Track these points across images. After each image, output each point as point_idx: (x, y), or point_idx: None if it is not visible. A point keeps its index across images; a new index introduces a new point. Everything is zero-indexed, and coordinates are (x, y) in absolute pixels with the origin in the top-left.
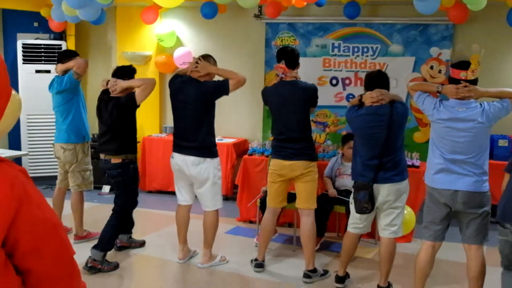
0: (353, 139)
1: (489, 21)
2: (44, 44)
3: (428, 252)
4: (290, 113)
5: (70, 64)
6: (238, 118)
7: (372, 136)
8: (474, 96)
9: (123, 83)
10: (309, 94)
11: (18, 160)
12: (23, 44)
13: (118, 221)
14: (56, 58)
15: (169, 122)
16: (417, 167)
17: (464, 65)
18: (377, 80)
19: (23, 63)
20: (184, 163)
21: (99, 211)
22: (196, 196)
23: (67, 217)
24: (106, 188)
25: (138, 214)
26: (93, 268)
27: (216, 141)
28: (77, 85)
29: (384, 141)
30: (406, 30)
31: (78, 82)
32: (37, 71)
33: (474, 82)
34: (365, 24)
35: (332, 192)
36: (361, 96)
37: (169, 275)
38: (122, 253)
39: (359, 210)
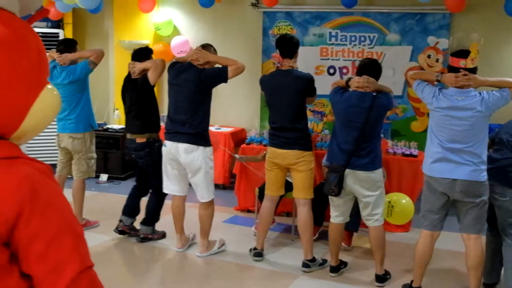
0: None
1: (486, 10)
2: (41, 33)
3: (427, 241)
4: (283, 101)
5: (86, 53)
6: (236, 107)
7: (350, 122)
8: (474, 85)
9: (139, 65)
10: (303, 83)
11: None
12: None
13: (157, 196)
14: (54, 47)
15: (166, 111)
16: (415, 156)
17: (463, 53)
18: (368, 67)
19: None
20: (176, 151)
21: (96, 200)
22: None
23: None
24: (103, 177)
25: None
26: (145, 238)
27: (214, 130)
28: (89, 74)
29: (361, 128)
30: (403, 19)
31: (91, 71)
32: None
33: (473, 70)
34: (362, 13)
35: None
36: (348, 79)
37: (168, 265)
38: (121, 242)
39: (326, 191)
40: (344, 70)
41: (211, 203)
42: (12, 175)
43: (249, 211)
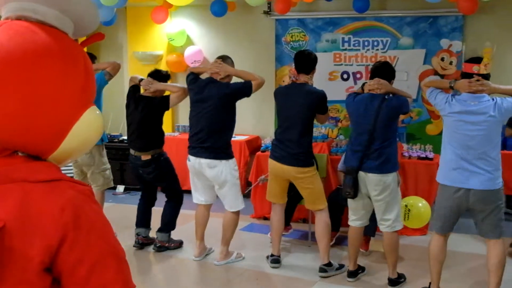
0: None
1: (499, 11)
2: None
3: (440, 241)
4: (291, 114)
5: (103, 65)
6: (250, 115)
7: (361, 124)
8: (487, 90)
9: (158, 85)
10: (312, 98)
11: None
12: None
13: (174, 203)
14: None
15: (182, 121)
16: (431, 159)
17: (476, 60)
18: (379, 70)
19: None
20: (200, 166)
21: (113, 211)
22: (217, 196)
23: None
24: (120, 188)
25: (152, 212)
26: (162, 247)
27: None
28: (104, 86)
29: (371, 130)
30: (416, 23)
31: (107, 83)
32: None
33: (486, 77)
34: (374, 18)
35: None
36: (363, 84)
37: (185, 272)
38: (138, 252)
39: (343, 194)
40: (358, 75)
41: (237, 213)
42: (55, 199)
43: (265, 218)
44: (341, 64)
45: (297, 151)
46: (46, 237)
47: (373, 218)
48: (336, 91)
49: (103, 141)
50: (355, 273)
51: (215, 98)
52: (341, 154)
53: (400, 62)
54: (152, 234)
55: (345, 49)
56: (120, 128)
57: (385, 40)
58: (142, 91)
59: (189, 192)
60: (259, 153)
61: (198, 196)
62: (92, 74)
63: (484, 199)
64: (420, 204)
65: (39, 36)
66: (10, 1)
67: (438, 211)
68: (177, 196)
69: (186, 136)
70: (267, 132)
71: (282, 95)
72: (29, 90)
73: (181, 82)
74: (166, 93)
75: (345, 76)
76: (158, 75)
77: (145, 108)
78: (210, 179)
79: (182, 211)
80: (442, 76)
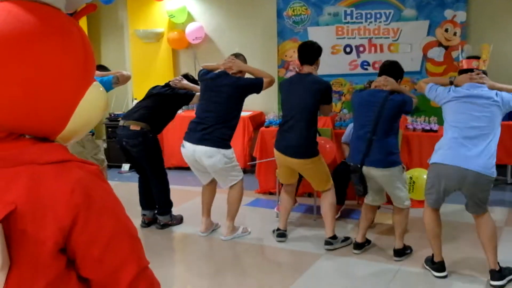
0: None
1: None
2: None
3: (433, 215)
4: (295, 104)
5: (113, 73)
6: None
7: (364, 115)
8: (487, 84)
9: (185, 84)
10: (316, 87)
11: None
12: None
13: (161, 184)
14: None
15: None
16: (436, 131)
17: (475, 57)
18: (387, 69)
19: None
20: (196, 154)
21: (119, 190)
22: None
23: None
24: (125, 167)
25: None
26: (165, 225)
27: None
28: (108, 91)
29: (373, 125)
30: None
31: (111, 89)
32: None
33: (484, 73)
34: None
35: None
36: (371, 81)
37: (192, 248)
38: (143, 230)
39: (356, 193)
40: (361, 49)
41: (240, 188)
42: (65, 180)
43: (270, 193)
44: (344, 38)
45: (301, 143)
46: (58, 219)
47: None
48: (339, 65)
49: (94, 134)
50: (361, 246)
51: (227, 87)
52: (345, 128)
53: (404, 34)
54: None
55: (348, 22)
56: (123, 107)
57: (388, 12)
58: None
59: (186, 169)
60: (263, 128)
61: (201, 179)
62: (91, 49)
63: (476, 183)
64: (424, 176)
65: (33, 15)
66: None
67: (432, 187)
68: (160, 177)
69: (190, 113)
70: (271, 108)
71: (286, 85)
72: (29, 71)
73: (183, 59)
74: None
75: (347, 49)
76: (188, 79)
77: (169, 92)
78: (207, 167)
79: (187, 188)
80: (446, 48)
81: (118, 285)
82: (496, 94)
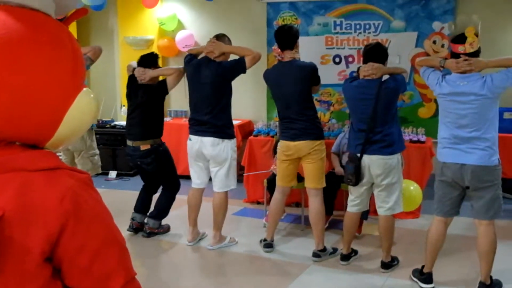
0: None
1: None
2: None
3: (440, 227)
4: (288, 93)
5: (83, 50)
6: (242, 100)
7: (360, 109)
8: (476, 69)
9: (152, 73)
10: (306, 72)
11: None
12: None
13: (170, 193)
14: None
15: (174, 105)
16: (423, 142)
17: (461, 39)
18: (372, 53)
19: None
20: (202, 145)
21: (106, 197)
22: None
23: None
24: (112, 174)
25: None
26: (152, 233)
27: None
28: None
29: (371, 114)
30: (407, 5)
31: (88, 68)
32: None
33: (474, 54)
34: (366, 1)
35: (338, 170)
36: (358, 68)
37: (179, 257)
38: (130, 237)
39: (345, 180)
40: (350, 59)
41: (225, 196)
42: (54, 188)
43: (258, 202)
44: (333, 48)
45: (305, 125)
46: (47, 226)
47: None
48: (328, 75)
49: (93, 126)
50: (348, 257)
51: (210, 78)
52: (333, 138)
53: (392, 45)
54: None
55: (337, 33)
56: (111, 113)
57: (377, 23)
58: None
59: (183, 177)
60: (251, 137)
61: (196, 179)
62: (81, 55)
63: (479, 176)
64: (411, 187)
65: (22, 22)
66: None
67: (438, 193)
68: (174, 186)
69: (179, 121)
70: (259, 117)
71: (274, 77)
72: (18, 79)
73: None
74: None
75: (337, 59)
76: (147, 61)
77: (145, 95)
78: (209, 157)
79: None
80: None
81: None
82: (484, 84)
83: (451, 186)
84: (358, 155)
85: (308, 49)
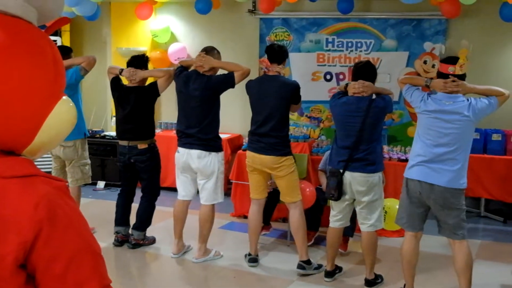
0: None
1: (482, 15)
2: None
3: (412, 242)
4: (266, 106)
5: (78, 60)
6: (232, 114)
7: (348, 126)
8: (462, 91)
9: (143, 73)
10: (287, 89)
11: None
12: None
13: (149, 201)
14: None
15: (164, 117)
16: None
17: (452, 60)
18: (362, 71)
19: None
20: (189, 157)
21: (93, 207)
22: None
23: None
24: (100, 184)
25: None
26: (137, 244)
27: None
28: (80, 81)
29: (358, 132)
30: (399, 25)
31: (82, 78)
32: None
33: (462, 77)
34: (358, 19)
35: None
36: (346, 84)
37: (163, 269)
38: (116, 249)
39: (327, 195)
40: (341, 76)
41: (212, 209)
42: (29, 195)
43: (245, 217)
44: (324, 65)
45: (275, 141)
46: (21, 234)
47: (352, 218)
48: (318, 92)
49: (85, 135)
50: (332, 273)
51: (198, 92)
52: (322, 155)
53: (383, 64)
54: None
55: (329, 50)
56: (101, 124)
57: (368, 42)
58: (125, 81)
59: (167, 189)
60: (240, 151)
61: (182, 191)
62: (61, 63)
63: (445, 197)
64: (397, 206)
65: (2, 29)
66: None
67: (402, 208)
68: (154, 190)
69: (169, 133)
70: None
71: (256, 88)
72: None
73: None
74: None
75: (328, 76)
76: (138, 62)
77: (137, 99)
78: (196, 170)
79: (161, 208)
80: None
81: None
82: (469, 106)
83: (418, 202)
84: (341, 170)
85: (300, 66)
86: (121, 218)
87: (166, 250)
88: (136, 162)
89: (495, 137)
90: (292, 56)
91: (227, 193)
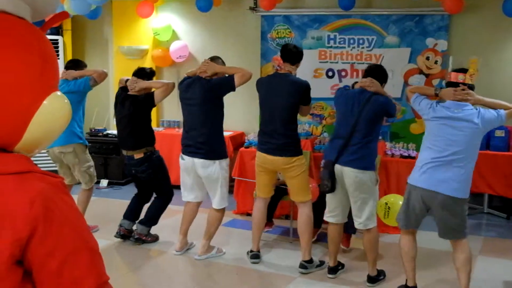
0: None
1: (485, 10)
2: None
3: (408, 237)
4: (275, 104)
5: (89, 71)
6: (235, 111)
7: (346, 115)
8: (471, 100)
9: (142, 84)
10: (297, 88)
11: None
12: None
13: (163, 201)
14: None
15: (167, 116)
16: (413, 158)
17: (463, 70)
18: (373, 71)
19: None
20: (193, 164)
21: (96, 205)
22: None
23: None
24: (104, 182)
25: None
26: (139, 239)
27: None
28: (88, 91)
29: (353, 123)
30: (401, 21)
31: (91, 89)
32: None
33: (471, 87)
34: (360, 16)
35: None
36: (355, 83)
37: (166, 266)
38: (120, 246)
39: (321, 188)
40: (343, 73)
41: (222, 210)
42: (25, 191)
43: (248, 214)
44: (326, 62)
45: (285, 141)
46: (16, 230)
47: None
48: (320, 88)
49: (84, 143)
50: (335, 269)
51: (198, 96)
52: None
53: (385, 61)
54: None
55: (331, 47)
56: (104, 123)
57: (370, 38)
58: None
59: (175, 187)
60: (242, 149)
61: (187, 194)
62: (52, 58)
63: (448, 206)
64: (400, 202)
65: None
66: None
67: (405, 209)
68: (167, 195)
69: (171, 131)
70: (252, 128)
71: (266, 85)
72: None
73: (167, 77)
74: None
75: (330, 73)
76: (142, 73)
77: (131, 106)
78: (202, 177)
79: (168, 206)
80: (427, 75)
81: None
82: (478, 114)
83: (416, 207)
84: (332, 161)
85: (302, 63)
86: (129, 212)
87: (169, 247)
88: (136, 173)
89: (498, 133)
90: None
91: (229, 190)
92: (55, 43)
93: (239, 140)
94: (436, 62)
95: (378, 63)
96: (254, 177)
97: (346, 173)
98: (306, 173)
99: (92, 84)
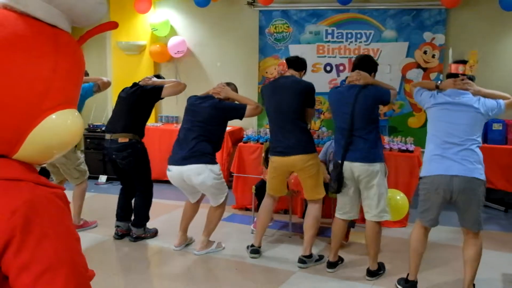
0: None
1: (482, 4)
2: None
3: (421, 232)
4: (282, 103)
5: (94, 78)
6: None
7: (340, 113)
8: (471, 90)
9: (157, 81)
10: (300, 86)
11: None
12: None
13: (144, 198)
14: None
15: (165, 111)
16: (411, 151)
17: (462, 61)
18: (360, 63)
19: None
20: (184, 175)
21: (95, 201)
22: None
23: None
24: (102, 178)
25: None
26: (138, 238)
27: None
28: (89, 97)
29: (350, 120)
30: (399, 16)
31: (92, 95)
32: None
33: (471, 78)
34: (358, 10)
35: (326, 177)
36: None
37: (165, 262)
38: (119, 242)
39: (329, 189)
40: (341, 68)
41: (222, 206)
42: (9, 199)
43: (247, 209)
44: (324, 56)
45: (298, 139)
46: None
47: None
48: (319, 83)
49: (76, 146)
50: (335, 264)
51: (208, 108)
52: (322, 146)
53: (383, 55)
54: None
55: (329, 41)
56: (102, 119)
57: (368, 33)
58: None
59: (165, 182)
60: (241, 144)
61: (190, 199)
62: (70, 74)
63: (466, 188)
64: (398, 197)
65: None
66: None
67: (424, 204)
68: (147, 188)
69: (169, 126)
70: (250, 124)
71: (271, 87)
72: None
73: (164, 72)
74: None
75: (328, 68)
76: (157, 77)
77: (137, 91)
78: (194, 185)
79: (165, 201)
80: (425, 69)
81: None
82: (478, 100)
83: (437, 198)
84: (339, 162)
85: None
86: (121, 213)
87: (169, 243)
88: (116, 159)
89: (496, 126)
90: (292, 48)
91: (228, 185)
92: None
93: (237, 135)
94: (433, 56)
95: (375, 57)
96: (253, 172)
97: (357, 168)
98: (320, 171)
99: (95, 90)
